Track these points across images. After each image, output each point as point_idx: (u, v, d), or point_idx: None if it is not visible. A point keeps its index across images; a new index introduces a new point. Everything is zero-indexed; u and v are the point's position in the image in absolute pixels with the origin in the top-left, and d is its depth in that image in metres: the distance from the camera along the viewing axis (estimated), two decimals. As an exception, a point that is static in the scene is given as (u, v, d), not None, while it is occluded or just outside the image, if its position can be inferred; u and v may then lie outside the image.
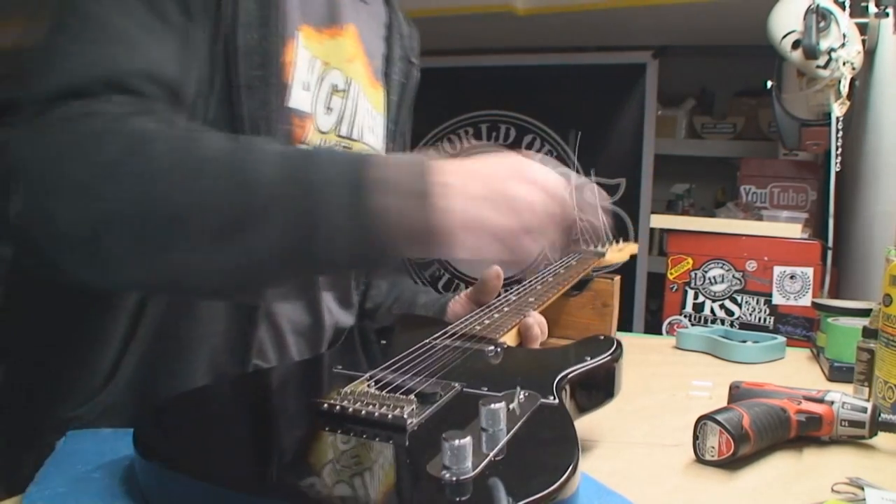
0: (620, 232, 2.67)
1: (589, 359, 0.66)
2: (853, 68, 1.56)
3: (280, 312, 0.78)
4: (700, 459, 0.68)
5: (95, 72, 0.57)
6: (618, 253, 1.11)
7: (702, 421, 0.68)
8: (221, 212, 0.52)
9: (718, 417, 0.67)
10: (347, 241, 0.53)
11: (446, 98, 2.92)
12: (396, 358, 0.65)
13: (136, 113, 0.56)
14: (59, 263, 0.55)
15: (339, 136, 0.78)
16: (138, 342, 0.68)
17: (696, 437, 0.68)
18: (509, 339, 0.75)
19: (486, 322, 0.78)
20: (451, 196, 0.53)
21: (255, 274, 0.55)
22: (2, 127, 0.56)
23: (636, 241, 2.68)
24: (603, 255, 1.06)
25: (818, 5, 1.53)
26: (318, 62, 0.75)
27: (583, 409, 0.66)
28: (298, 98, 0.71)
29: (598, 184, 3.03)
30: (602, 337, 0.72)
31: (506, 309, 0.83)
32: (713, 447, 0.67)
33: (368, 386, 0.58)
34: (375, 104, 0.87)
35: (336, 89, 0.77)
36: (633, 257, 1.23)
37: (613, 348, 0.68)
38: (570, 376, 0.63)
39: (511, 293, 0.89)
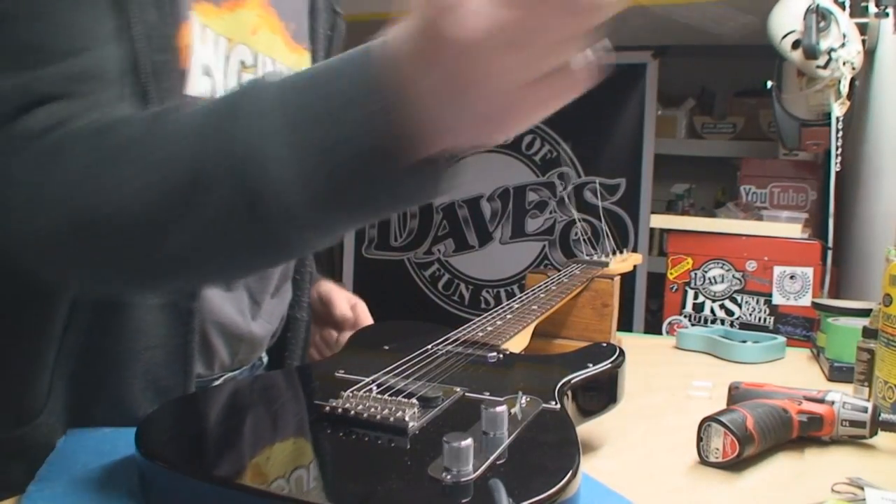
0: (621, 232, 2.69)
1: (591, 365, 0.66)
2: (853, 68, 1.56)
3: (211, 319, 0.74)
4: (704, 461, 0.68)
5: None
6: (622, 263, 1.11)
7: (706, 423, 0.68)
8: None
9: (723, 419, 0.67)
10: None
11: (446, 98, 2.92)
12: (398, 363, 0.65)
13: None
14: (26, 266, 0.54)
15: None
16: (66, 362, 0.65)
17: (699, 439, 0.68)
18: (512, 345, 0.75)
19: (489, 329, 0.78)
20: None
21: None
22: None
23: (636, 241, 2.70)
24: (607, 265, 1.06)
25: (818, 5, 1.53)
26: (223, 40, 0.69)
27: (585, 415, 0.66)
28: (198, 85, 0.66)
29: (599, 184, 3.04)
30: (605, 344, 0.72)
31: (509, 316, 0.83)
32: (717, 449, 0.67)
33: (370, 390, 0.58)
34: (298, 68, 0.80)
35: (245, 66, 0.72)
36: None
37: (615, 356, 0.68)
38: (571, 382, 0.63)
39: (514, 301, 0.89)
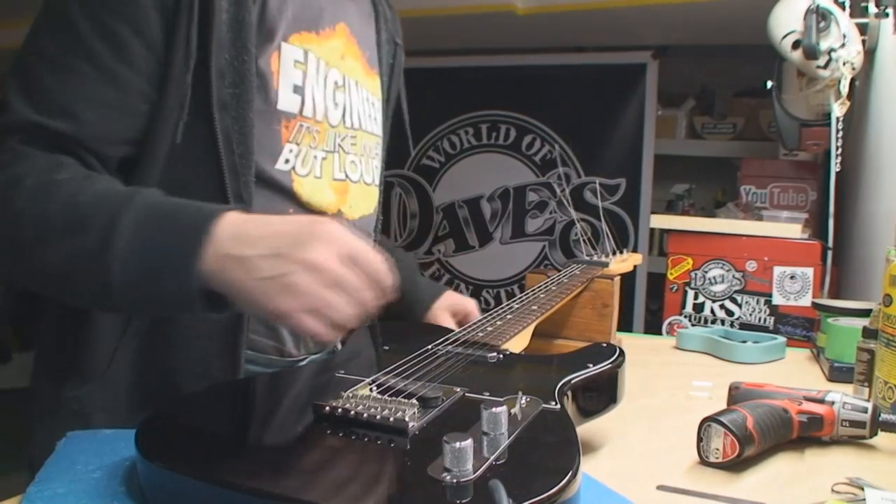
0: (621, 232, 2.68)
1: (591, 366, 0.66)
2: (853, 68, 1.56)
3: None
4: (704, 461, 0.68)
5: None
6: (622, 263, 1.11)
7: (706, 423, 0.68)
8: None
9: (723, 419, 0.67)
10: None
11: (446, 98, 2.92)
12: (399, 363, 0.65)
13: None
14: None
15: (346, 127, 0.86)
16: (131, 336, 0.73)
17: (700, 440, 0.68)
18: (512, 345, 0.75)
19: (489, 329, 0.78)
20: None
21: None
22: None
23: (636, 241, 2.70)
24: (607, 265, 1.06)
25: (818, 5, 1.53)
26: (322, 63, 0.81)
27: (586, 415, 0.66)
28: (286, 101, 0.77)
29: (599, 184, 3.03)
30: (605, 344, 0.72)
31: (509, 316, 0.83)
32: (718, 449, 0.67)
33: (371, 390, 0.58)
34: (373, 91, 0.93)
35: (337, 86, 0.84)
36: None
37: (615, 356, 0.68)
38: (571, 382, 0.63)
39: (514, 301, 0.89)
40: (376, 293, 0.61)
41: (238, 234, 0.60)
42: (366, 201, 0.90)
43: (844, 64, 1.54)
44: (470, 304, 1.05)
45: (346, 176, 0.85)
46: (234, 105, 0.71)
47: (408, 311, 1.03)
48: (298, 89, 0.78)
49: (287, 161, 0.77)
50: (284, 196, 0.77)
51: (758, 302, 1.68)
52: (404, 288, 1.03)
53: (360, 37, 0.89)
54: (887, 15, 1.61)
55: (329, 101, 0.82)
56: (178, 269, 0.60)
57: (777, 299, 1.66)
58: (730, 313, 1.70)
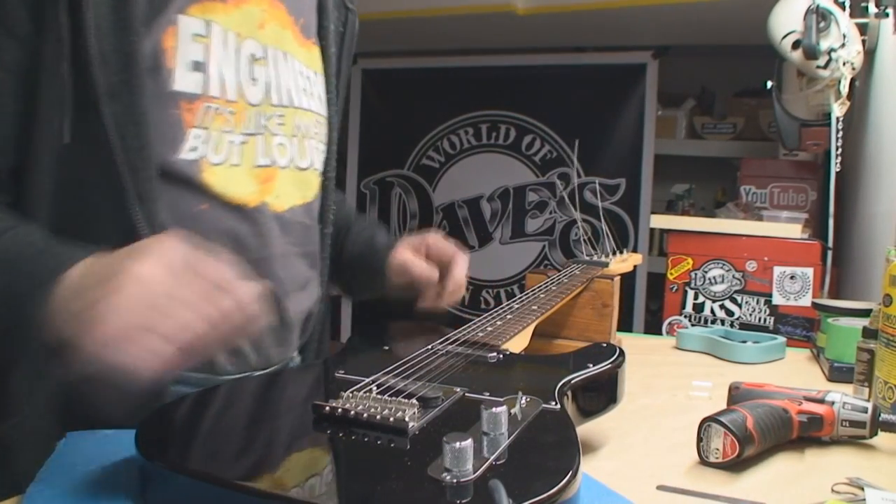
0: (621, 232, 2.68)
1: (591, 366, 0.66)
2: (853, 68, 1.56)
3: None
4: (704, 461, 0.68)
5: None
6: (622, 264, 1.11)
7: (706, 423, 0.68)
8: None
9: (723, 419, 0.67)
10: None
11: (446, 98, 2.92)
12: (399, 363, 0.65)
13: None
14: None
15: (273, 105, 0.76)
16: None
17: (700, 440, 0.68)
18: (512, 345, 0.75)
19: (489, 329, 0.78)
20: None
21: None
22: None
23: (636, 241, 2.70)
24: (607, 265, 1.06)
25: (818, 5, 1.53)
26: (232, 34, 0.72)
27: (586, 415, 0.66)
28: (184, 80, 0.68)
29: (599, 184, 3.03)
30: (605, 344, 0.72)
31: (508, 317, 0.83)
32: (718, 449, 0.67)
33: (370, 390, 0.58)
34: (309, 62, 0.84)
35: (255, 58, 0.75)
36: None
37: (615, 356, 0.68)
38: (571, 382, 0.63)
39: (514, 301, 0.89)
40: (235, 310, 0.55)
41: (72, 285, 0.56)
42: (299, 189, 0.81)
43: (844, 64, 1.54)
44: (430, 235, 0.96)
45: (273, 161, 0.76)
46: (125, 93, 0.63)
47: (369, 270, 0.95)
48: (200, 66, 0.69)
49: (194, 149, 0.69)
50: (193, 189, 0.69)
51: (758, 302, 1.68)
52: (363, 253, 0.96)
53: (289, 2, 0.79)
54: (887, 15, 1.61)
55: (244, 76, 0.73)
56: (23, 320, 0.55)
57: (777, 299, 1.66)
58: (730, 313, 1.70)
